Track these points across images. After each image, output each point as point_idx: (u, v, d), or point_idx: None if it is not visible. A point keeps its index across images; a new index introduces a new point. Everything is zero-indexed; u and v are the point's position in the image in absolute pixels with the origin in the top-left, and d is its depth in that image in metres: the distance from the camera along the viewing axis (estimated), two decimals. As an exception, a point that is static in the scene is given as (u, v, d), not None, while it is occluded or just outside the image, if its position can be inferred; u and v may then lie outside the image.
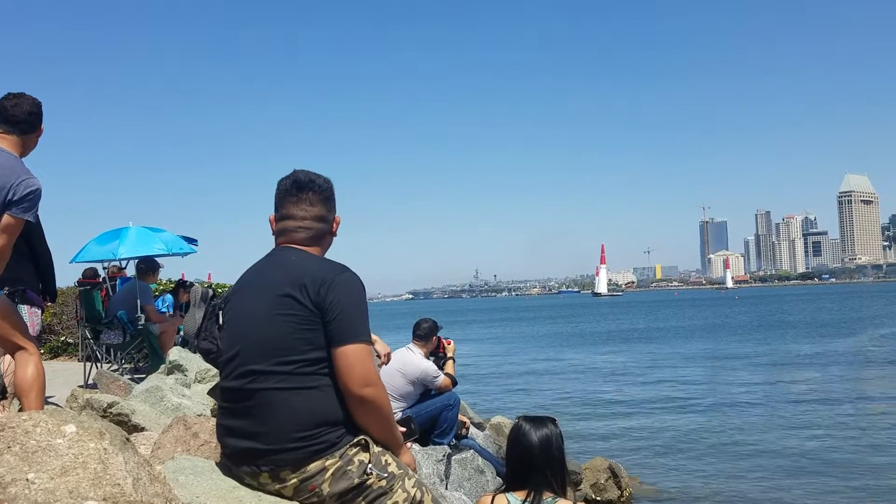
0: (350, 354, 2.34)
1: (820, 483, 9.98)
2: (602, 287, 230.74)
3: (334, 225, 2.68)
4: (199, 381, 6.11)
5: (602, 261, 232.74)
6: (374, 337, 4.71)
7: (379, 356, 4.99)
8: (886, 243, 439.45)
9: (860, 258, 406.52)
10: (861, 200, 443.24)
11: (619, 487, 8.10)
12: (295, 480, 2.34)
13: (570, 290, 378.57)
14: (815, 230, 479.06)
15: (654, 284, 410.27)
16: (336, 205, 2.69)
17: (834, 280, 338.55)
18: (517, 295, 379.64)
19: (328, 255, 2.73)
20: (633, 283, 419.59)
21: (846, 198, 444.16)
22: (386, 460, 2.44)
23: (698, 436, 13.39)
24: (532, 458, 2.78)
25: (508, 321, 71.02)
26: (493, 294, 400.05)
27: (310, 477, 2.33)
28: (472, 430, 7.27)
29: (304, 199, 2.56)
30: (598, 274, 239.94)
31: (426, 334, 6.35)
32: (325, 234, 2.62)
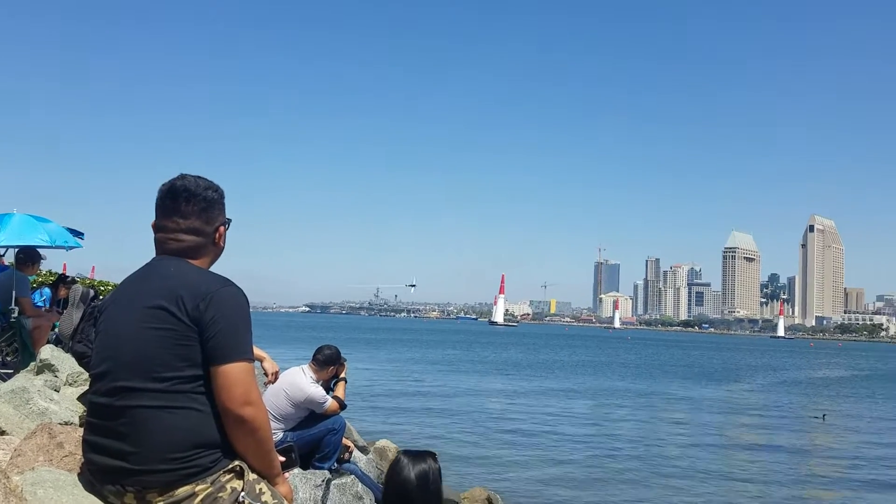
0: (230, 373, 2.22)
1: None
2: (499, 316, 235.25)
3: (217, 236, 2.49)
4: (69, 384, 5.71)
5: (501, 291, 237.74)
6: (261, 353, 4.60)
7: (266, 374, 4.88)
8: (764, 300, 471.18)
9: (739, 311, 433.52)
10: (744, 257, 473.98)
11: (495, 518, 8.23)
12: None
13: (467, 316, 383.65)
14: (699, 281, 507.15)
15: (547, 318, 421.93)
16: (223, 213, 2.51)
17: (713, 330, 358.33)
18: (416, 317, 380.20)
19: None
20: (528, 314, 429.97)
21: (731, 253, 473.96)
22: (260, 489, 2.31)
23: (577, 468, 13.83)
24: (408, 494, 2.80)
25: (406, 343, 70.95)
26: (393, 314, 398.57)
27: (177, 501, 2.21)
28: (356, 453, 7.20)
29: (178, 209, 2.41)
30: (496, 303, 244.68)
31: (324, 361, 6.02)
32: (201, 247, 2.44)
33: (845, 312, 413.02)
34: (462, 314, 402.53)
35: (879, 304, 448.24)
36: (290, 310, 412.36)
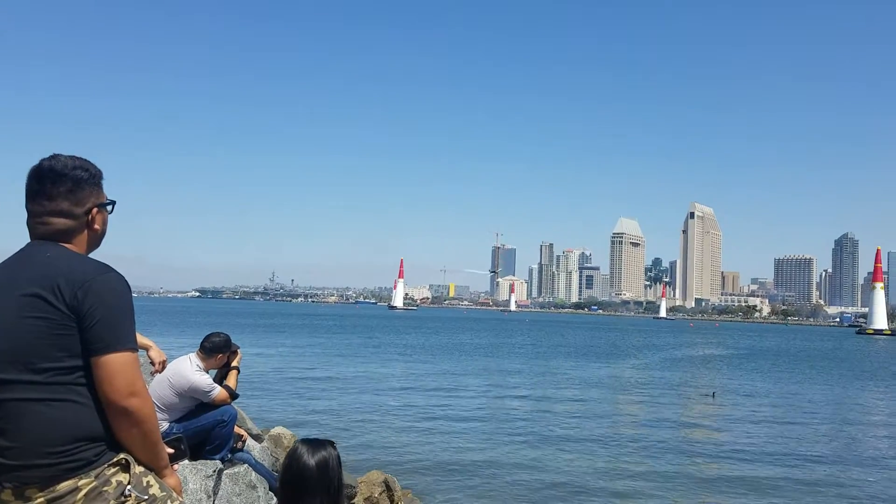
0: (112, 363, 2.16)
1: (578, 496, 10.99)
2: (398, 300, 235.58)
3: (90, 218, 2.36)
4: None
5: (400, 275, 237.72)
6: (146, 342, 4.36)
7: (153, 363, 4.64)
8: (648, 283, 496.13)
9: (625, 294, 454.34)
10: (630, 242, 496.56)
11: (392, 501, 8.28)
12: (42, 500, 2.13)
13: (367, 301, 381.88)
14: (589, 265, 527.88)
15: (447, 302, 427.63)
16: (97, 194, 2.37)
17: (601, 311, 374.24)
18: (314, 302, 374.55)
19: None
20: (427, 298, 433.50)
21: (618, 238, 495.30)
22: (148, 482, 2.27)
23: (472, 449, 14.12)
24: (307, 482, 2.76)
25: (304, 328, 69.86)
26: (289, 299, 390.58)
27: (59, 497, 2.13)
28: (250, 441, 7.01)
29: (44, 191, 2.29)
30: (395, 287, 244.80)
31: (212, 348, 5.72)
32: (73, 230, 2.32)
33: (722, 295, 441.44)
34: (361, 299, 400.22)
35: (753, 287, 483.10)
36: (179, 295, 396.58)
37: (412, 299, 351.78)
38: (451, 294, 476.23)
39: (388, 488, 8.19)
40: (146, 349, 4.12)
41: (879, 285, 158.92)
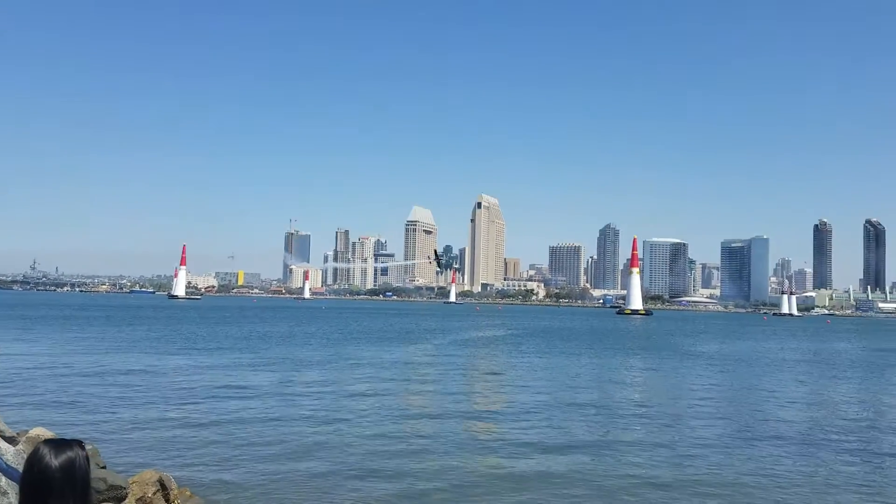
0: None
1: (362, 483, 11.20)
2: (180, 289, 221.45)
3: None
4: None
5: (182, 262, 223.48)
6: None
7: None
8: (439, 270, 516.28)
9: (418, 280, 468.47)
10: (423, 230, 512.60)
11: (168, 500, 7.88)
12: None
13: (144, 290, 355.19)
14: (384, 252, 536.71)
15: (235, 290, 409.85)
16: None
17: (396, 297, 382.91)
18: (82, 291, 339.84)
19: None
20: (213, 287, 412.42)
21: (412, 226, 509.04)
22: None
23: (255, 444, 13.78)
24: (51, 484, 2.59)
25: (69, 321, 63.01)
26: (54, 289, 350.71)
27: None
28: (2, 445, 6.30)
29: None
30: (176, 275, 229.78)
31: None
32: None
33: (505, 280, 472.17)
34: (137, 288, 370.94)
35: (532, 272, 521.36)
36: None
37: (195, 288, 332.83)
38: (241, 282, 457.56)
39: (164, 487, 7.80)
40: None
41: (636, 271, 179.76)
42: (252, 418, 16.45)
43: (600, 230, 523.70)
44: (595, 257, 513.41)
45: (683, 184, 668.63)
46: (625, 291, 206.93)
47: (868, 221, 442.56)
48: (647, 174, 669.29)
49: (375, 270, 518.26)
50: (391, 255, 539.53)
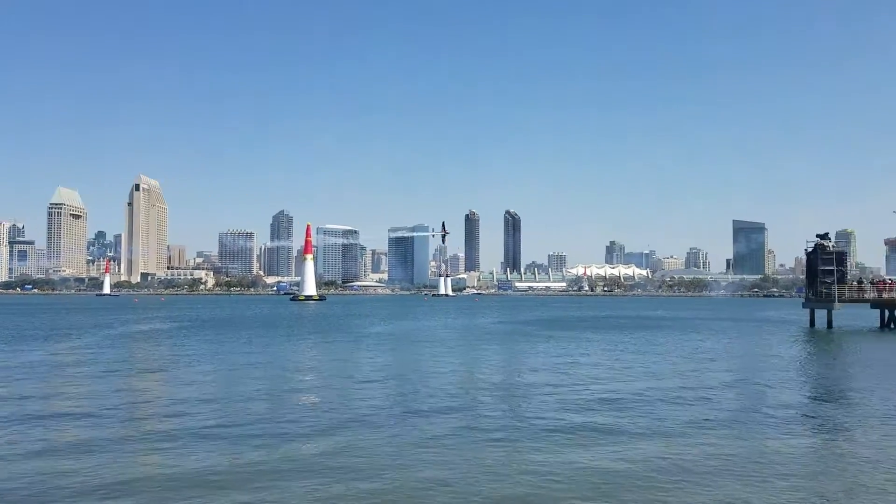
0: None
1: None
2: None
3: None
4: None
5: None
6: None
7: None
8: (91, 258, 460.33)
9: (65, 270, 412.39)
10: (71, 214, 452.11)
11: None
12: None
13: None
14: (22, 238, 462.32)
15: None
16: None
17: (37, 290, 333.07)
18: None
19: None
20: None
21: (57, 209, 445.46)
22: None
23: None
24: None
25: None
26: None
27: None
28: None
29: None
30: None
31: None
32: None
33: (169, 269, 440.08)
34: None
35: (199, 260, 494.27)
36: None
37: None
38: None
39: None
40: None
41: (309, 257, 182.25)
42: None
43: (273, 216, 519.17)
44: (269, 244, 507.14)
45: (356, 174, 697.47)
46: (299, 278, 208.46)
47: (507, 212, 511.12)
48: (318, 162, 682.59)
49: (11, 259, 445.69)
50: (30, 243, 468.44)
